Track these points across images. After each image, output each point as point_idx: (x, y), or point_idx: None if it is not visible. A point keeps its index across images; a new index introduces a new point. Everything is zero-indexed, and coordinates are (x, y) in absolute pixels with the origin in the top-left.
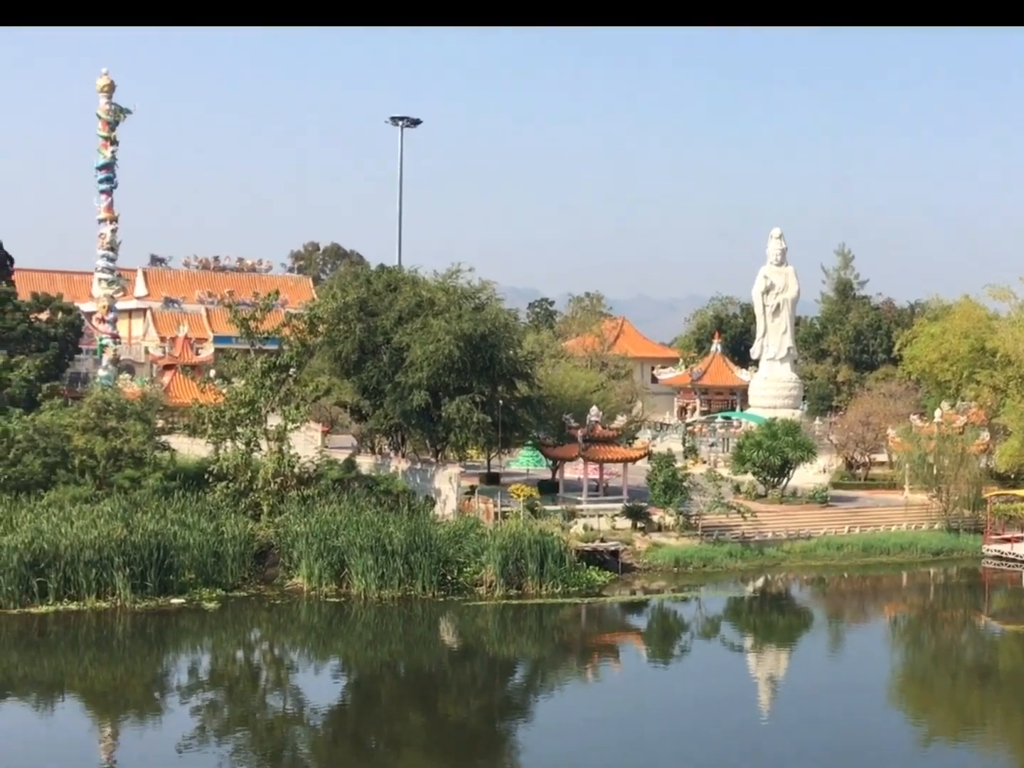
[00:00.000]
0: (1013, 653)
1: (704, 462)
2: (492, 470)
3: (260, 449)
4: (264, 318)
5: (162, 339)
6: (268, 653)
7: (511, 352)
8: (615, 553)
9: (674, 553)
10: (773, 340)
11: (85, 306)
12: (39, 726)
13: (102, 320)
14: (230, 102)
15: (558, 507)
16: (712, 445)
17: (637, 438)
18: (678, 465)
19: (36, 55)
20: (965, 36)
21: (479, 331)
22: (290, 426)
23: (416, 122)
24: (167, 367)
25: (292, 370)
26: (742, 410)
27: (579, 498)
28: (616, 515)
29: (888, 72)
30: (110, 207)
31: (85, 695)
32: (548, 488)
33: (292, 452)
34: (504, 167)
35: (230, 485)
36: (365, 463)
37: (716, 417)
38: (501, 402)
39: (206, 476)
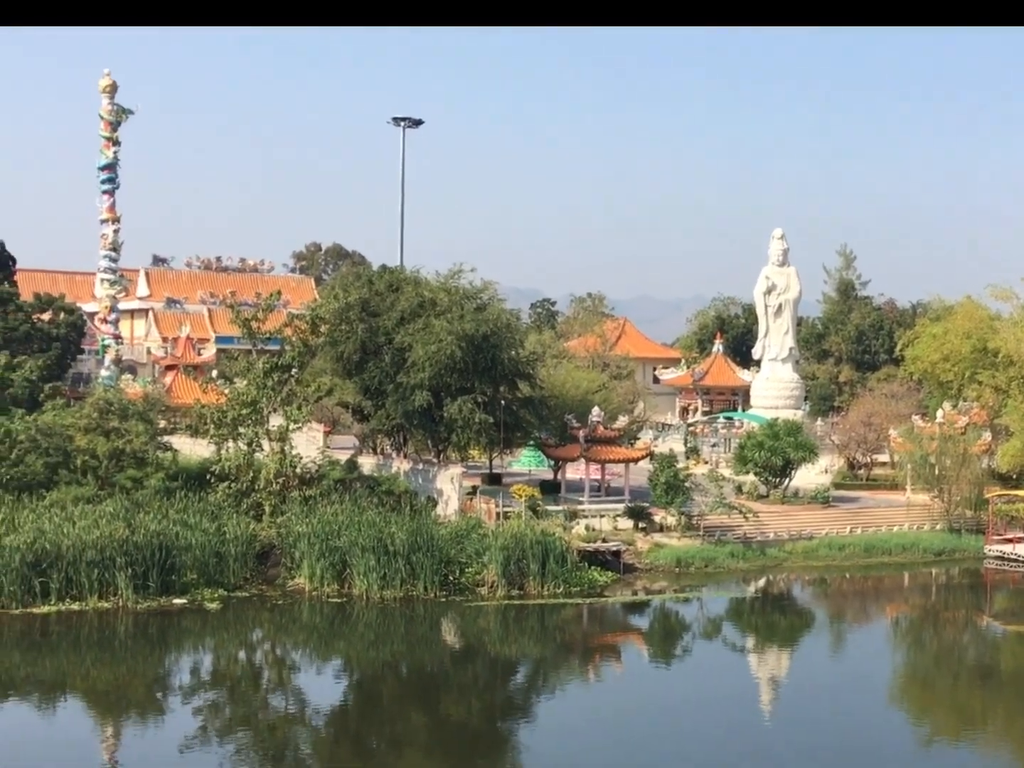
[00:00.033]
0: (1015, 654)
1: (706, 462)
2: (494, 470)
3: (262, 449)
4: (266, 318)
5: (164, 339)
6: (270, 653)
7: (513, 352)
8: (617, 553)
9: (676, 553)
10: (775, 340)
11: (87, 306)
12: (41, 726)
13: (104, 320)
14: (232, 102)
15: (560, 507)
16: (714, 445)
17: (639, 438)
18: (680, 465)
19: (38, 55)
20: (966, 36)
21: (481, 331)
22: (292, 426)
23: (418, 122)
24: (169, 367)
25: (294, 370)
26: (744, 410)
27: (581, 498)
28: (618, 515)
29: (890, 71)
30: (112, 207)
31: (87, 695)
32: (550, 488)
33: (294, 452)
34: (506, 167)
35: (232, 485)
36: (367, 463)
37: (718, 417)
38: (503, 402)
39: (208, 476)
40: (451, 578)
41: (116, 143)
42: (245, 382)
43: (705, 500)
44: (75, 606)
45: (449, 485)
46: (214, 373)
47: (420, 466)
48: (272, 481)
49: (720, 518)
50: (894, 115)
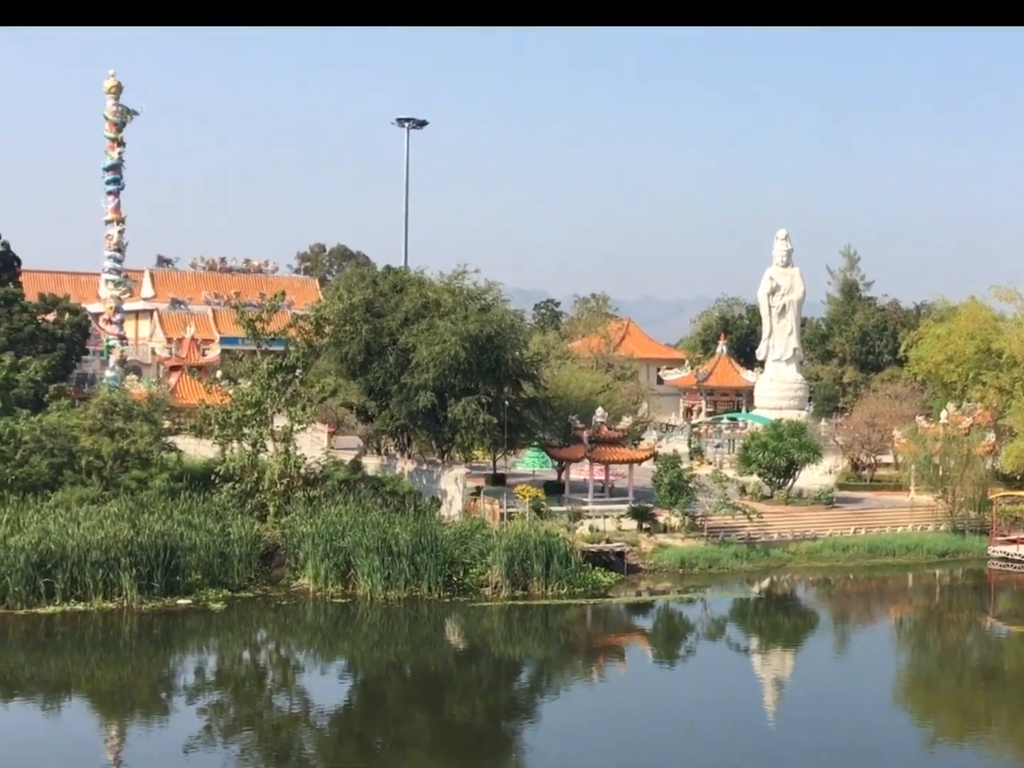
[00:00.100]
0: (1019, 654)
1: (710, 463)
2: (498, 471)
3: (266, 450)
4: (270, 319)
5: (169, 340)
6: (274, 654)
7: (517, 353)
8: (621, 554)
9: (680, 554)
10: (779, 341)
11: (92, 307)
12: (46, 726)
13: (109, 321)
14: (235, 102)
15: (564, 508)
16: (718, 446)
17: (643, 439)
18: (684, 466)
19: (42, 55)
20: (966, 36)
21: (485, 332)
22: (296, 427)
23: (422, 123)
24: (174, 368)
25: (298, 371)
26: (748, 411)
27: (585, 499)
28: (622, 516)
29: (893, 71)
30: (117, 208)
31: (91, 695)
32: (554, 489)
33: (298, 453)
34: (510, 168)
35: (236, 486)
36: (371, 464)
37: (722, 418)
38: (507, 403)
39: (212, 477)
40: (455, 579)
41: (121, 144)
42: (249, 383)
43: (709, 501)
44: (80, 606)
45: (453, 486)
46: (218, 374)
47: (424, 467)
48: (276, 482)
49: (724, 519)
50: (899, 114)
